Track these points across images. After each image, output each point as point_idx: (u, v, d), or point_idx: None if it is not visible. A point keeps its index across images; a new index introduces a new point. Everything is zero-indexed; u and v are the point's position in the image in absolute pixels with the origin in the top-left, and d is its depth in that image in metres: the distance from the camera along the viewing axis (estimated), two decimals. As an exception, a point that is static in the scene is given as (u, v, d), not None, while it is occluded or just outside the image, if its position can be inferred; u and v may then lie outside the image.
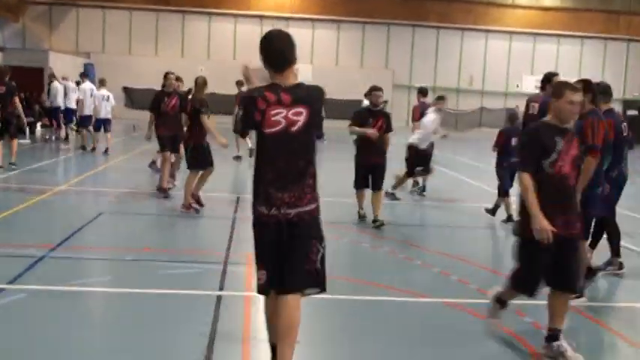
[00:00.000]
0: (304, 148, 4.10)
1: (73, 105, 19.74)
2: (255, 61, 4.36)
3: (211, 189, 10.81)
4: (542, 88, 8.49)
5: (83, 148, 18.23)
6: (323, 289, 4.15)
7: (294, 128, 4.02)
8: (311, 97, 4.10)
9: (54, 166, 15.64)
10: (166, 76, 11.27)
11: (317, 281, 4.11)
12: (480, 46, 39.34)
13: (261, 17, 36.49)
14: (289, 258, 4.04)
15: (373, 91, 9.86)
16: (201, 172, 10.03)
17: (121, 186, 12.39)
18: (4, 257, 7.03)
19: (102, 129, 17.86)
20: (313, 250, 4.08)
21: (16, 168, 13.55)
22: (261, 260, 4.13)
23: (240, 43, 36.77)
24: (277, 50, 4.10)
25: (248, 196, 11.17)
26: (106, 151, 17.54)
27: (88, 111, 18.16)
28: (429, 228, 10.61)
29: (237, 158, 16.97)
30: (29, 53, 29.21)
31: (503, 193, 10.50)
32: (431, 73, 38.74)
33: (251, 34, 36.87)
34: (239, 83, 17.04)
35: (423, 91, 14.58)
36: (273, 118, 3.99)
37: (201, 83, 10.02)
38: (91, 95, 18.16)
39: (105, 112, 17.76)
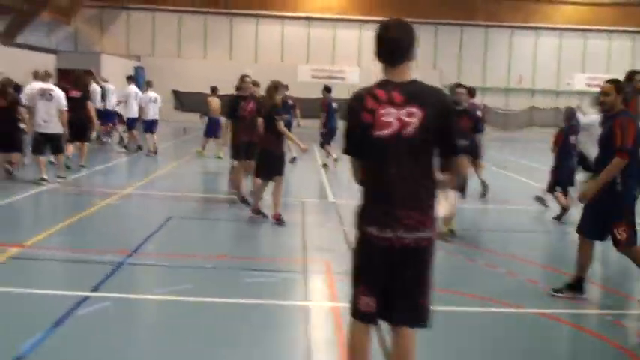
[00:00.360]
0: (420, 156, 3.51)
1: (112, 107, 19.75)
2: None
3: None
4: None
5: (126, 147, 18.62)
6: (428, 324, 3.65)
7: (408, 131, 3.45)
8: (427, 96, 3.51)
9: (113, 169, 15.74)
10: (243, 78, 10.75)
11: (427, 316, 3.63)
12: (530, 44, 38.70)
13: (308, 19, 36.49)
14: (402, 289, 3.56)
15: (457, 88, 9.19)
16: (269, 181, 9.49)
17: (183, 190, 12.38)
18: (84, 264, 7.03)
19: (150, 130, 18.00)
20: (428, 282, 3.61)
21: (85, 169, 13.97)
22: (366, 284, 3.60)
23: (287, 45, 36.79)
24: (393, 40, 3.54)
25: (311, 201, 11.49)
26: (155, 152, 17.71)
27: (132, 113, 18.36)
28: (494, 232, 10.32)
29: (293, 160, 16.61)
30: (82, 56, 29.62)
31: (554, 189, 10.45)
32: (479, 72, 38.24)
33: (298, 36, 37.10)
34: (327, 89, 17.26)
35: (471, 91, 14.01)
36: (383, 119, 3.46)
37: (271, 87, 9.51)
38: (136, 98, 18.32)
39: (153, 114, 17.97)
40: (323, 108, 16.99)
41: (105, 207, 10.29)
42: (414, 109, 3.46)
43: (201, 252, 7.82)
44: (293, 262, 7.40)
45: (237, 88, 10.83)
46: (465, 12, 37.20)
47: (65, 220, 9.21)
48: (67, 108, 12.38)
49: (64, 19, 35.01)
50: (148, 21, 36.50)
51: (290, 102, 17.25)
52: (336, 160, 16.07)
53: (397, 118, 3.47)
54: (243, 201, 10.53)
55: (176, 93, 35.14)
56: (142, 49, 36.17)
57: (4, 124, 12.16)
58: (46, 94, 12.16)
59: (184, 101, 34.47)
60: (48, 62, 26.57)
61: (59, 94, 12.34)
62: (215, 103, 18.21)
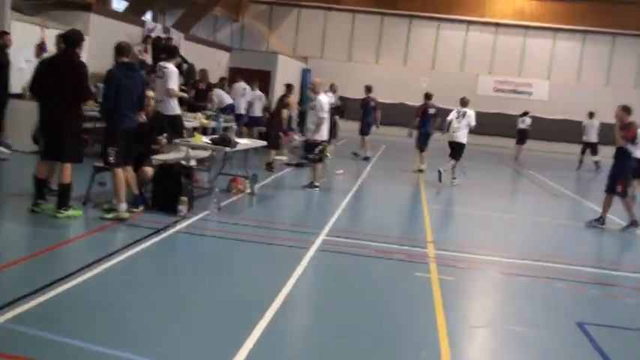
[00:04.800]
0: None
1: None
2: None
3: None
4: None
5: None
6: None
7: None
8: None
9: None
10: None
11: None
12: None
13: (496, 25, 34.81)
14: None
15: None
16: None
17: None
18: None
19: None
20: None
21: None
22: None
23: (469, 53, 35.33)
24: None
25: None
26: None
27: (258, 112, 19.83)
28: None
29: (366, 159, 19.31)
30: (257, 55, 29.64)
31: None
32: None
33: (483, 43, 35.49)
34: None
35: None
36: None
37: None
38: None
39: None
40: (418, 113, 18.09)
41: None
42: None
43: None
44: None
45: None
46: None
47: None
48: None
49: (232, 15, 35.55)
50: (320, 19, 36.44)
51: (372, 104, 20.21)
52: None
53: None
54: None
55: (343, 100, 34.48)
56: (310, 51, 36.12)
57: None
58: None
59: (349, 108, 33.77)
60: (222, 59, 26.81)
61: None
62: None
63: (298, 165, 16.08)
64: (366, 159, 19.53)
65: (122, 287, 6.09)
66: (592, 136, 23.83)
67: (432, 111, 17.84)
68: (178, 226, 8.48)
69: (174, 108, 11.60)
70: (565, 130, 33.35)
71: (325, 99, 12.87)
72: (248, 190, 11.65)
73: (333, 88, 20.10)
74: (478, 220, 12.03)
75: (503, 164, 24.43)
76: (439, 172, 15.59)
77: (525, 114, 26.96)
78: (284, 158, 17.64)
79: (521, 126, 26.47)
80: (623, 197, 11.44)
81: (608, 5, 33.84)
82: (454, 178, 15.78)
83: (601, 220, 11.55)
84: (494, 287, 7.49)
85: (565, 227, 11.81)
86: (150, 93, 9.28)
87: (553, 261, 8.78)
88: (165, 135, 9.59)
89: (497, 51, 35.40)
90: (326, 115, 12.74)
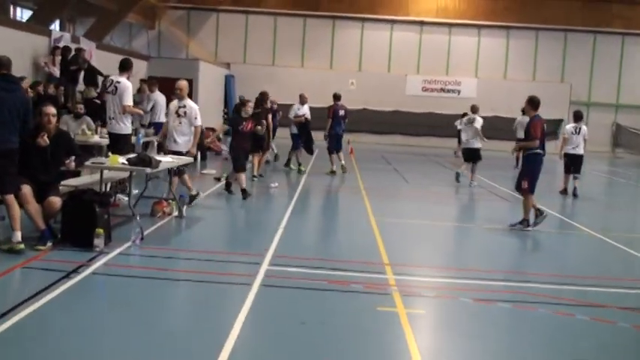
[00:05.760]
0: None
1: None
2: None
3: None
4: None
5: None
6: None
7: None
8: None
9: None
10: None
11: None
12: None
13: (421, 23, 34.39)
14: None
15: None
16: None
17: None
18: None
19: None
20: None
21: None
22: None
23: (395, 53, 34.79)
24: None
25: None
26: None
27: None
28: None
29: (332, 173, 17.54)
30: (177, 63, 28.15)
31: None
32: (614, 87, 35.34)
33: (409, 42, 34.98)
34: (336, 97, 18.21)
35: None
36: None
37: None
38: None
39: None
40: (329, 114, 17.83)
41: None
42: None
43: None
44: None
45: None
46: (598, 18, 34.29)
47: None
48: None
49: (147, 22, 34.03)
50: (241, 24, 35.23)
51: (342, 112, 18.20)
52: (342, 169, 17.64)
53: None
54: None
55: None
56: (233, 56, 34.88)
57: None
58: None
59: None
60: (140, 69, 25.26)
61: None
62: None
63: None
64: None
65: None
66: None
67: (341, 112, 17.83)
68: (94, 265, 7.15)
69: (127, 127, 10.73)
70: (495, 128, 32.94)
71: (195, 104, 11.23)
72: (175, 213, 10.39)
73: (303, 100, 18.05)
74: (431, 233, 11.05)
75: (440, 165, 23.72)
76: (457, 173, 17.22)
77: (465, 115, 26.41)
78: (213, 172, 16.45)
79: (460, 127, 25.93)
80: (527, 195, 10.89)
81: (530, 0, 33.87)
82: (472, 182, 16.63)
83: (525, 223, 10.93)
84: (473, 320, 6.36)
85: (527, 235, 10.92)
86: (50, 109, 7.86)
87: (526, 280, 7.85)
88: (72, 158, 8.19)
89: (424, 50, 34.99)
90: (199, 123, 11.09)
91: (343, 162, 17.82)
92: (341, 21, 34.85)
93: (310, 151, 18.26)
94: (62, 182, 8.52)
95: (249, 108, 13.06)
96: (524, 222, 10.94)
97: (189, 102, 11.15)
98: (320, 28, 34.99)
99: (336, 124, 17.61)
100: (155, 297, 6.49)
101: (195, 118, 10.98)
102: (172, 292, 6.75)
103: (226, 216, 11.40)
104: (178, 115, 11.00)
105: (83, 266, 7.06)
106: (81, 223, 7.74)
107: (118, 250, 7.84)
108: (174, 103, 11.17)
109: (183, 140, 11.00)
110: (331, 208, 12.94)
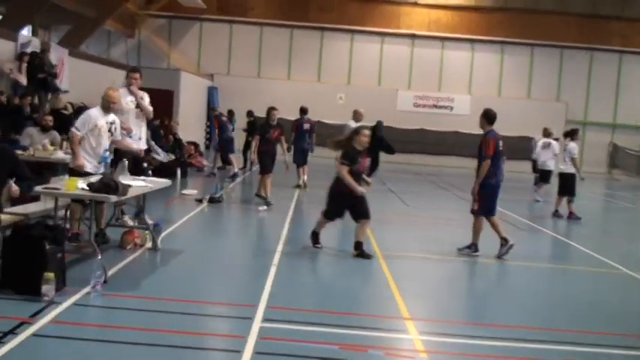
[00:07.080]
0: None
1: None
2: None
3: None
4: None
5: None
6: None
7: None
8: None
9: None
10: None
11: None
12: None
13: (412, 36, 33.09)
14: None
15: None
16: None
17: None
18: None
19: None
20: None
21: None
22: None
23: (386, 67, 33.46)
24: None
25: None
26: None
27: None
28: None
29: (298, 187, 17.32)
30: (158, 73, 26.48)
31: None
32: (611, 107, 34.22)
33: (400, 56, 33.71)
34: (302, 111, 18.12)
35: None
36: None
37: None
38: None
39: None
40: (292, 129, 17.91)
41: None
42: None
43: None
44: None
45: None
46: (595, 35, 33.17)
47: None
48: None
49: (126, 30, 32.48)
50: (224, 34, 33.73)
51: (307, 126, 18.11)
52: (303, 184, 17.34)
53: None
54: None
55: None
56: (217, 67, 33.40)
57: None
58: None
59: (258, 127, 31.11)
60: (117, 78, 23.79)
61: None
62: None
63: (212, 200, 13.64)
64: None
65: None
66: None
67: (306, 126, 17.88)
68: (39, 323, 5.54)
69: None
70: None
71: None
72: (148, 245, 8.83)
73: (357, 117, 16.63)
74: (449, 271, 9.48)
75: (436, 185, 22.28)
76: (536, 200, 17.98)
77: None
78: (194, 192, 14.91)
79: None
80: (476, 216, 10.13)
81: (525, 15, 32.85)
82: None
83: (473, 248, 10.08)
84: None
85: (554, 274, 9.35)
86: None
87: (588, 342, 6.32)
88: (13, 179, 6.55)
89: (415, 64, 33.76)
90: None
91: (306, 177, 17.55)
92: (330, 32, 33.55)
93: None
94: (7, 210, 6.92)
95: (275, 117, 14.08)
96: (472, 246, 10.15)
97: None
98: (308, 39, 33.65)
99: (299, 137, 17.63)
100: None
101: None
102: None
103: (209, 249, 9.78)
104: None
105: (24, 324, 5.47)
106: (26, 265, 6.17)
107: (72, 300, 6.23)
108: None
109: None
110: (329, 241, 10.83)
